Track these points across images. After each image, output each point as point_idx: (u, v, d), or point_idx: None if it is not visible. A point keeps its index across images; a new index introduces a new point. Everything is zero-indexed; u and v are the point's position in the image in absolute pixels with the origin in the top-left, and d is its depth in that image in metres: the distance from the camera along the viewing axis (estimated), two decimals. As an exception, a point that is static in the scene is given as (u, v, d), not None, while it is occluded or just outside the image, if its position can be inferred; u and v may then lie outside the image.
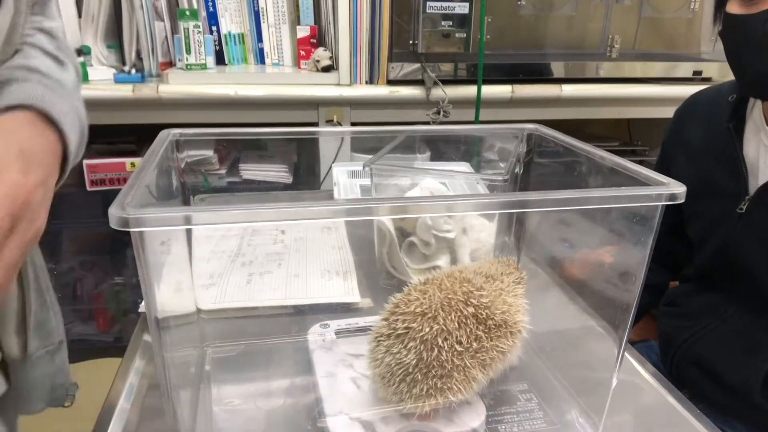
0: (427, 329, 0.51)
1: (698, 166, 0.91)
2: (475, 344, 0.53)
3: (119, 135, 1.60)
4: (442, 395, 0.52)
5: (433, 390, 0.52)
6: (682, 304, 0.96)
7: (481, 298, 0.54)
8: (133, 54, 1.47)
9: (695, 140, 0.93)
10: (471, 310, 0.53)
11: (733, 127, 0.86)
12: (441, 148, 0.83)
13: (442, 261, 0.79)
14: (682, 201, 0.48)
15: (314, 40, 1.52)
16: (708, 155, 0.90)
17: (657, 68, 1.60)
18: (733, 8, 0.78)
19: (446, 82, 1.45)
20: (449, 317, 0.52)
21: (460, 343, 0.52)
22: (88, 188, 1.44)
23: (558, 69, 1.54)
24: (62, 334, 0.68)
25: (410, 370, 0.51)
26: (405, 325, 0.52)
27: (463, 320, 0.52)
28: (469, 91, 1.46)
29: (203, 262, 0.82)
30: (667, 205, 0.48)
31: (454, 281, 0.55)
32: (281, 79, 1.45)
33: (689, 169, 0.93)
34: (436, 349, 0.51)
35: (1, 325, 0.60)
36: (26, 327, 0.62)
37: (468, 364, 0.52)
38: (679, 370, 0.93)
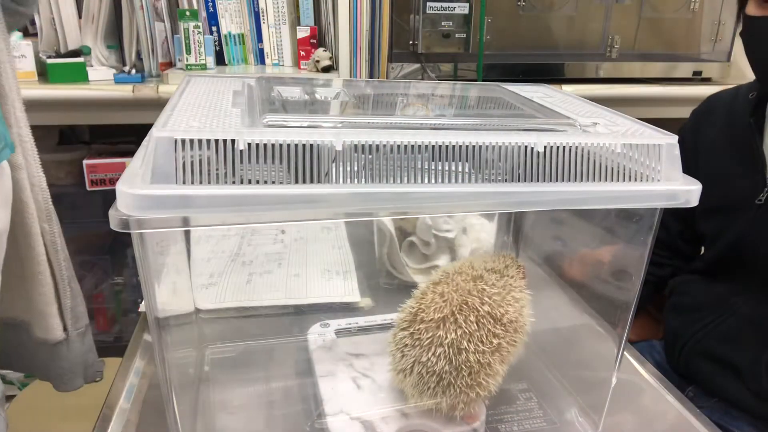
0: (452, 335, 0.52)
1: (716, 163, 0.93)
2: (494, 341, 0.54)
3: (119, 135, 1.60)
4: (473, 392, 0.53)
5: (466, 389, 0.53)
6: (690, 298, 0.96)
7: (494, 296, 0.55)
8: (133, 54, 1.47)
9: (714, 137, 0.95)
10: (486, 308, 0.54)
11: (753, 122, 0.88)
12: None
13: (442, 261, 0.79)
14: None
15: (314, 41, 1.52)
16: (726, 152, 0.92)
17: (657, 68, 1.59)
18: (751, 10, 0.82)
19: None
20: (469, 319, 0.53)
21: (482, 342, 0.53)
22: (88, 188, 1.44)
23: (558, 69, 1.54)
24: (87, 318, 0.78)
25: (443, 375, 0.53)
26: (429, 334, 0.53)
27: (481, 320, 0.53)
28: (469, 91, 1.46)
29: (203, 261, 0.82)
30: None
31: (467, 279, 0.56)
32: (281, 79, 1.45)
33: (707, 167, 0.94)
34: (463, 353, 0.52)
35: (47, 310, 0.71)
36: (62, 311, 0.73)
37: (491, 360, 0.53)
38: (688, 364, 0.93)
